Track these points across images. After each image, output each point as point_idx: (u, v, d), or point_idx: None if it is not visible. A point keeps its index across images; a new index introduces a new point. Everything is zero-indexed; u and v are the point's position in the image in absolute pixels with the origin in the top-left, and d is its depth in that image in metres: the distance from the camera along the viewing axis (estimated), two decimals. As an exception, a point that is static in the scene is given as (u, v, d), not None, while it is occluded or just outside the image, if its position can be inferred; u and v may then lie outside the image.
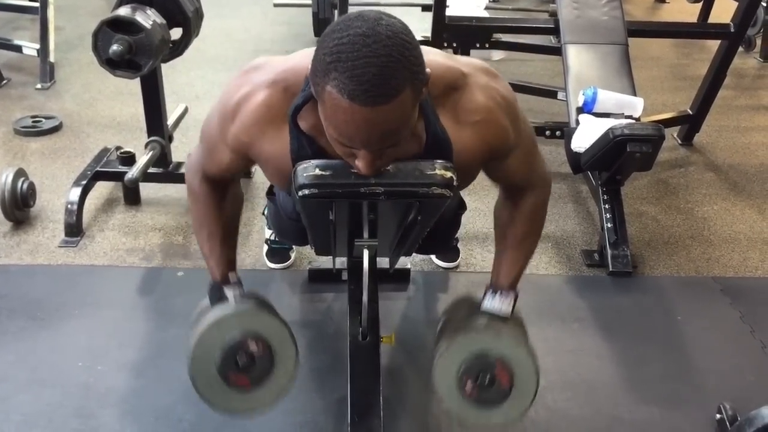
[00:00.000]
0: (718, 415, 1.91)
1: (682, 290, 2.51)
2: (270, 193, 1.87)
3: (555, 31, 3.21)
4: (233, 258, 1.60)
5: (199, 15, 2.79)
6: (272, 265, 2.56)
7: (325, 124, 1.13)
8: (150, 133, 2.80)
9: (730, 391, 2.04)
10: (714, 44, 5.07)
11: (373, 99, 1.04)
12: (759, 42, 4.89)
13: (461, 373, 1.42)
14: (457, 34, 3.34)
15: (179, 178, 2.91)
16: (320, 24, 4.86)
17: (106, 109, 3.80)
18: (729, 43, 3.18)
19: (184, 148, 3.16)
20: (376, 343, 1.79)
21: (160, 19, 2.49)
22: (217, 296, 1.52)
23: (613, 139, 2.39)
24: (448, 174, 1.21)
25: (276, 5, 4.79)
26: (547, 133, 3.24)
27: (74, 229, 2.67)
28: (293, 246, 2.57)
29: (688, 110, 3.50)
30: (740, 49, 4.87)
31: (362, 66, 1.04)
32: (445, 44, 3.31)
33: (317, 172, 1.20)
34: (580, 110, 2.80)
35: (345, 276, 2.40)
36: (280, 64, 1.32)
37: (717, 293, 2.49)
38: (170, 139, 2.89)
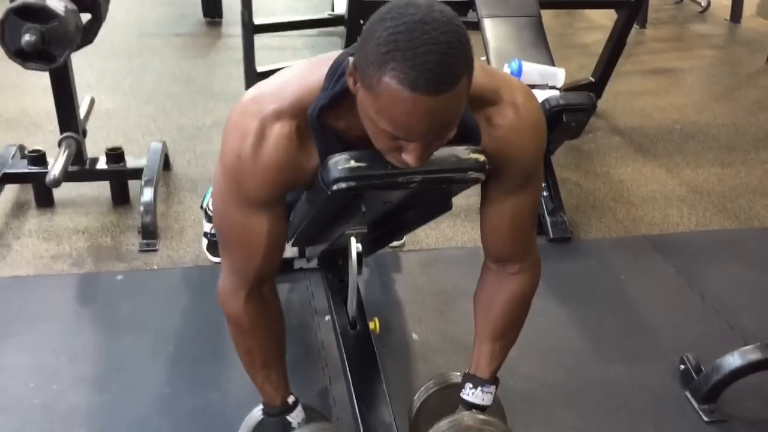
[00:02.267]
0: (681, 366, 2.03)
1: (618, 251, 2.64)
2: None
3: (471, 5, 3.24)
4: (287, 380, 1.52)
5: (107, -1, 2.60)
6: (214, 259, 2.45)
7: (372, 119, 1.07)
8: (63, 128, 2.59)
9: (683, 342, 2.16)
10: (592, 13, 5.36)
11: (436, 87, 1.00)
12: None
13: None
14: (369, 13, 3.29)
15: (97, 176, 2.73)
16: (208, 3, 4.67)
17: (-13, 105, 3.48)
18: (629, 11, 3.32)
19: (98, 143, 2.94)
20: (366, 330, 1.76)
21: (71, 5, 2.30)
22: (279, 424, 1.50)
23: (550, 110, 2.45)
24: (482, 158, 1.19)
25: (158, -15, 4.56)
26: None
27: (-12, 238, 2.44)
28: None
29: (590, 78, 3.65)
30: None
31: (423, 54, 0.99)
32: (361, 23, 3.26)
33: (352, 164, 1.14)
34: (506, 83, 2.84)
35: (297, 265, 2.36)
36: (282, 91, 1.21)
37: (650, 251, 2.64)
38: (84, 133, 2.69)
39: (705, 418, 1.91)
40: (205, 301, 2.27)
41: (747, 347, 1.92)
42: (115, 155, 2.69)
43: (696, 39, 5.09)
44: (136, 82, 3.87)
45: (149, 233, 2.54)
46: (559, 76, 2.86)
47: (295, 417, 1.49)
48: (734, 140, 3.52)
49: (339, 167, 1.15)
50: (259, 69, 3.49)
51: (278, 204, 1.29)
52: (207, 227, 2.46)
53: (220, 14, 4.73)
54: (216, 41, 4.55)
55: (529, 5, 3.14)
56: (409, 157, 1.09)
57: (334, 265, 1.88)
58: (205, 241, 2.48)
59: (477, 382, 1.49)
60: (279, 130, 1.18)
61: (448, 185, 1.25)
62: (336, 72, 1.18)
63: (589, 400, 1.97)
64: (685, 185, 3.09)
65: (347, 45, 3.38)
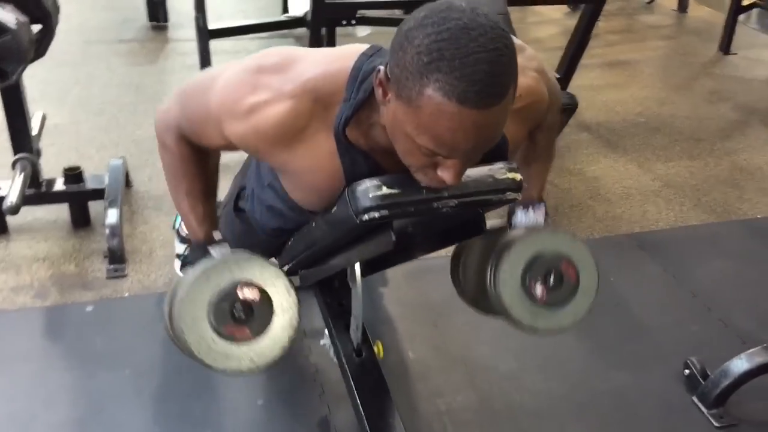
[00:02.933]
0: (686, 371, 1.99)
1: (604, 251, 2.59)
2: (238, 209, 1.64)
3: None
4: (215, 217, 1.40)
5: (57, 7, 2.43)
6: (190, 283, 2.31)
7: (408, 135, 0.97)
8: (16, 149, 2.41)
9: (681, 343, 2.14)
10: (544, 9, 5.34)
11: (486, 100, 0.91)
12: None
13: (527, 280, 1.28)
14: (332, 14, 3.20)
15: (55, 198, 2.55)
16: (153, 7, 4.48)
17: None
18: (594, 6, 3.29)
19: (50, 162, 2.75)
20: (373, 357, 1.66)
21: (22, 17, 2.12)
22: (201, 256, 1.32)
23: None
24: (519, 176, 1.11)
25: (100, -10, 4.34)
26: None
27: (-60, 273, 2.25)
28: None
29: (556, 73, 3.61)
30: (568, 9, 5.19)
31: (472, 63, 0.90)
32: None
33: (385, 191, 1.04)
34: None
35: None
36: (306, 69, 1.13)
37: (635, 250, 2.60)
38: (38, 153, 2.51)
39: (715, 424, 1.87)
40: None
41: (753, 350, 1.89)
42: (74, 175, 2.51)
43: (647, 30, 5.13)
44: (83, 93, 3.66)
45: (117, 258, 2.38)
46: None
47: (218, 248, 1.31)
48: (699, 131, 3.53)
49: (370, 195, 1.05)
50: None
51: (234, 149, 1.24)
52: (180, 248, 2.32)
53: (165, 18, 4.54)
54: (164, 46, 4.36)
55: (496, 2, 3.07)
56: (446, 175, 1.00)
57: (330, 287, 1.77)
58: (178, 263, 2.34)
59: (525, 203, 1.39)
60: (288, 106, 1.11)
61: (487, 207, 1.16)
62: (356, 79, 1.08)
63: (597, 412, 1.92)
64: (659, 180, 3.08)
65: (311, 46, 3.27)
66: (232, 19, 4.45)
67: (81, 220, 2.57)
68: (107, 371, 1.96)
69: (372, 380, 1.60)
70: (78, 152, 3.06)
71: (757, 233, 2.75)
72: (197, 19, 3.27)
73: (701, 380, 1.93)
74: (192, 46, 4.04)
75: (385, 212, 1.05)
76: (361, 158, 1.11)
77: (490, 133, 0.95)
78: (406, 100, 0.95)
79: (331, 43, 3.67)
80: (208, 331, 1.15)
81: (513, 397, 1.94)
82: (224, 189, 1.64)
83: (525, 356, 2.08)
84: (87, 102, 3.56)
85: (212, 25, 3.38)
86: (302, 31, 4.04)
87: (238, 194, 1.64)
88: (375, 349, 1.73)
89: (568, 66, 3.52)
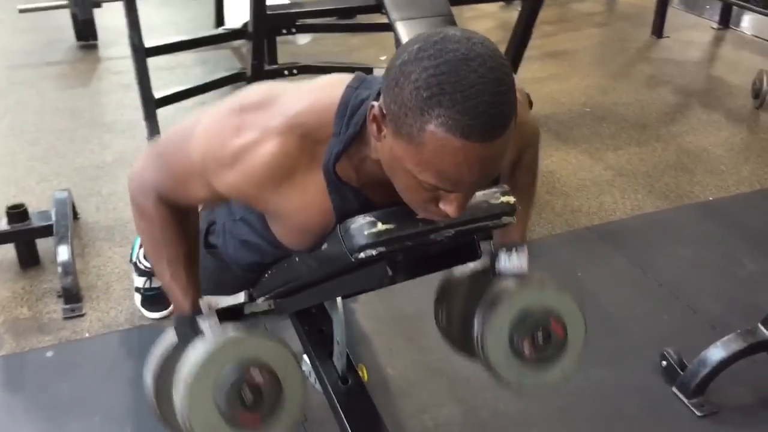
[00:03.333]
0: (664, 363, 2.01)
1: (567, 247, 2.61)
2: (209, 245, 1.58)
3: (378, 8, 3.12)
4: (200, 284, 1.32)
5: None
6: (152, 315, 2.23)
7: (409, 172, 0.92)
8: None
9: (654, 334, 2.16)
10: (480, 6, 5.35)
11: (490, 132, 0.88)
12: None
13: (514, 340, 1.27)
14: (274, 26, 3.15)
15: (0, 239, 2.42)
16: (81, 25, 4.31)
17: None
18: (533, 2, 3.30)
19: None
20: (360, 384, 1.62)
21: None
22: (190, 330, 1.25)
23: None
24: (512, 199, 1.08)
25: (22, 11, 4.14)
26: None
27: None
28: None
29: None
30: (502, 3, 5.22)
31: (475, 95, 0.86)
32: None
33: (380, 227, 1.00)
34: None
35: (248, 310, 2.17)
36: (290, 103, 1.07)
37: (598, 242, 2.63)
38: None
39: (697, 413, 1.89)
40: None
41: (728, 337, 1.92)
42: (18, 213, 2.39)
43: (581, 18, 5.19)
44: (15, 121, 3.49)
45: (72, 297, 2.27)
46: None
47: (207, 321, 1.24)
48: (643, 118, 3.59)
49: (364, 232, 1.01)
50: (157, 95, 3.24)
51: (224, 200, 1.23)
52: (139, 282, 2.24)
53: (94, 36, 4.37)
54: (95, 66, 4.20)
55: (440, 4, 3.06)
56: (449, 208, 0.96)
57: (308, 313, 1.71)
58: (138, 297, 2.25)
59: (510, 246, 1.35)
60: (273, 148, 1.05)
61: (481, 233, 1.13)
62: (345, 114, 1.03)
63: (582, 413, 1.92)
64: (611, 169, 3.11)
65: (254, 58, 3.19)
66: (164, 32, 4.32)
67: (29, 260, 2.45)
68: (76, 419, 1.87)
69: (361, 408, 1.56)
70: (17, 186, 2.92)
71: (711, 216, 2.81)
72: (131, 38, 3.14)
73: (680, 371, 1.95)
74: (126, 64, 3.89)
75: (382, 249, 1.01)
76: (351, 194, 1.07)
77: (495, 165, 0.92)
78: (406, 137, 0.91)
79: (272, 53, 3.60)
80: (216, 419, 1.10)
81: (497, 406, 1.92)
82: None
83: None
84: (20, 132, 3.39)
85: (147, 42, 3.26)
86: (240, 42, 3.97)
87: (207, 230, 1.57)
88: (360, 373, 1.69)
89: (513, 61, 3.52)
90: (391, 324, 2.22)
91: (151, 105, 3.24)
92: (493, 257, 1.37)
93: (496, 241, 1.39)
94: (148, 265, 2.14)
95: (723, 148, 3.30)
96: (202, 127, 1.11)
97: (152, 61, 3.18)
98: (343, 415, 1.54)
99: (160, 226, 1.24)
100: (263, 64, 3.27)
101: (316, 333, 1.70)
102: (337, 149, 1.04)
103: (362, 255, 1.01)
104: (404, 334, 2.17)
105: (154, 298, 2.24)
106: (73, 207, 2.68)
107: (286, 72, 3.52)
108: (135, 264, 2.22)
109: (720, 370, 1.89)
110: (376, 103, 0.95)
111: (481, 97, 0.87)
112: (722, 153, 3.26)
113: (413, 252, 1.08)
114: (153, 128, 3.26)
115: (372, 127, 0.96)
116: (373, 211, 1.04)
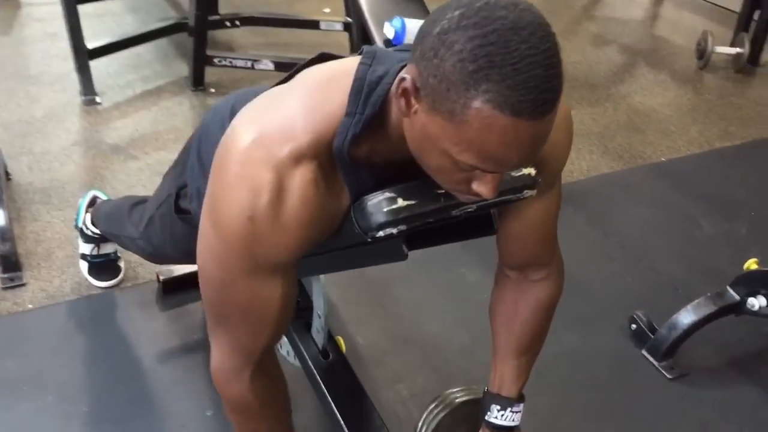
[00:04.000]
0: (633, 326, 2.01)
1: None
2: (180, 210, 1.44)
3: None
4: None
5: None
6: (101, 284, 2.09)
7: (445, 151, 0.83)
8: None
9: (620, 297, 2.17)
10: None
11: (542, 108, 0.80)
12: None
13: None
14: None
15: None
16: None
17: None
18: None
19: None
20: (342, 358, 1.55)
21: None
22: None
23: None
24: (533, 171, 1.01)
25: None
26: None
27: None
28: (118, 254, 2.11)
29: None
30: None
31: (527, 68, 0.78)
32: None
33: (400, 203, 0.91)
34: (389, 44, 2.65)
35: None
36: (291, 125, 0.93)
37: (558, 204, 2.60)
38: None
39: (668, 375, 1.91)
40: (109, 338, 1.92)
41: (698, 300, 1.93)
42: (-55, 174, 2.18)
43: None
44: (-71, 75, 3.21)
45: (11, 265, 2.10)
46: (441, 30, 2.70)
47: None
48: (592, 77, 3.58)
49: (384, 209, 0.92)
50: (90, 45, 3.02)
51: (296, 263, 1.03)
52: (86, 249, 2.08)
53: (13, -21, 4.04)
54: (16, 13, 3.89)
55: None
56: (484, 189, 0.88)
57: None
58: (85, 265, 2.10)
59: (505, 402, 1.32)
60: (302, 178, 0.91)
61: (501, 207, 1.05)
62: (362, 91, 0.92)
63: (557, 379, 1.90)
64: (564, 129, 3.09)
65: (198, 8, 3.00)
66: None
67: (-41, 226, 2.25)
68: (28, 401, 1.73)
69: (345, 384, 1.49)
70: (-62, 145, 2.68)
71: (665, 177, 2.83)
72: (61, -18, 2.91)
73: (650, 334, 1.96)
74: (50, 11, 3.65)
75: (402, 227, 0.92)
76: (366, 175, 0.97)
77: (541, 144, 0.84)
78: (446, 114, 0.81)
79: (213, 3, 3.40)
80: None
81: (472, 374, 1.88)
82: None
83: (475, 328, 2.02)
84: (-63, 85, 3.12)
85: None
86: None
87: (177, 193, 1.44)
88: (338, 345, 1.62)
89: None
90: (359, 290, 2.14)
91: (83, 56, 3.03)
92: (486, 402, 1.34)
93: (492, 387, 1.34)
94: (97, 230, 1.99)
95: (671, 108, 3.33)
96: (223, 232, 0.96)
97: (79, 9, 2.96)
98: (326, 392, 1.47)
99: (260, 409, 1.14)
100: (207, 15, 3.09)
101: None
102: (355, 131, 0.92)
103: (381, 234, 0.92)
104: (373, 301, 2.10)
105: (102, 266, 2.10)
106: (5, 167, 2.48)
107: (228, 23, 3.36)
108: (81, 230, 2.06)
109: (690, 333, 1.91)
110: (408, 76, 0.85)
111: (532, 71, 0.78)
112: (671, 113, 3.29)
113: (429, 229, 1.00)
114: (86, 82, 3.05)
115: (400, 102, 0.86)
116: (390, 187, 0.95)
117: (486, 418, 1.34)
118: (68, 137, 2.81)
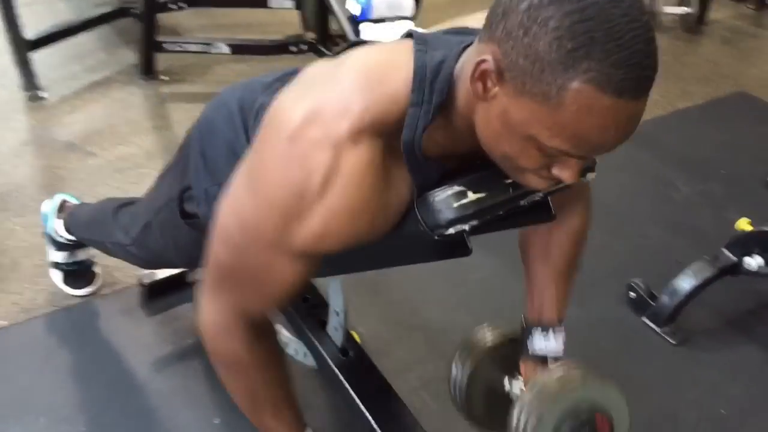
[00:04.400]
0: (632, 294, 2.01)
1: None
2: (187, 215, 1.33)
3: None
4: (301, 415, 1.21)
5: None
6: (79, 292, 1.97)
7: (532, 137, 0.77)
8: None
9: (613, 264, 2.17)
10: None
11: (645, 85, 0.76)
12: None
13: None
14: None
15: None
16: None
17: None
18: None
19: None
20: (362, 354, 1.48)
21: None
22: None
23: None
24: (593, 154, 0.96)
25: None
26: (293, 48, 2.93)
27: None
28: (93, 260, 1.99)
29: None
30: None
31: (629, 45, 0.73)
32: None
33: (472, 197, 0.85)
34: (353, 20, 2.57)
35: (191, 278, 1.96)
36: (348, 102, 0.86)
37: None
38: None
39: (671, 341, 1.92)
40: (96, 350, 1.81)
41: (696, 264, 1.94)
42: None
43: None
44: None
45: (-23, 280, 1.96)
46: (405, 4, 2.63)
47: None
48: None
49: (453, 205, 0.86)
50: (32, 36, 2.83)
51: (326, 259, 0.96)
52: (58, 257, 1.95)
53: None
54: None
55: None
56: (566, 174, 0.83)
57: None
58: (58, 273, 1.97)
59: (545, 326, 1.26)
60: (359, 158, 0.84)
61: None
62: (425, 79, 0.85)
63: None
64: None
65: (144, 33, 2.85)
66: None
67: None
68: (16, 424, 1.61)
69: (370, 381, 1.43)
70: None
71: (634, 139, 2.80)
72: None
73: (650, 301, 1.96)
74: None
75: (474, 222, 0.86)
76: (432, 168, 0.90)
77: (636, 126, 0.80)
78: (538, 97, 0.75)
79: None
80: None
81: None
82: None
83: (476, 308, 2.01)
84: None
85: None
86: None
87: (181, 196, 1.34)
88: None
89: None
90: (354, 278, 2.06)
91: (23, 48, 2.83)
92: (526, 332, 1.27)
93: (532, 315, 1.28)
94: (72, 237, 1.86)
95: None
96: (262, 201, 0.88)
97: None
98: (351, 391, 1.40)
99: (252, 364, 1.07)
100: (156, -2, 2.93)
101: (301, 302, 1.54)
102: (425, 121, 0.86)
103: (451, 230, 0.86)
104: (369, 288, 2.03)
105: (77, 273, 1.97)
106: (-47, 173, 2.31)
107: (173, 6, 3.19)
108: (50, 237, 1.93)
109: (692, 297, 1.91)
110: (489, 57, 0.78)
111: (635, 46, 0.74)
112: (629, 76, 3.30)
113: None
114: (28, 76, 2.87)
115: (476, 86, 0.80)
116: (454, 180, 0.88)
117: (529, 344, 1.26)
118: (16, 137, 2.64)
